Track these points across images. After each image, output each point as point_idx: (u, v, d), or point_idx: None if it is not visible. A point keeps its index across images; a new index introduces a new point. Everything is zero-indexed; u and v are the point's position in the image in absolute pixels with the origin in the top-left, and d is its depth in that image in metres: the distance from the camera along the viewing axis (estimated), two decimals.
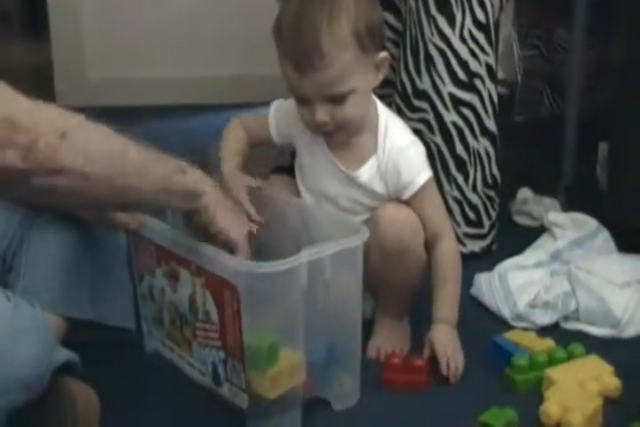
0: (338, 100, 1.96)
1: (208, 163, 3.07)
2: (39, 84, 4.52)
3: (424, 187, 2.08)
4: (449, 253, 2.12)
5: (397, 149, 2.08)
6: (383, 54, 2.03)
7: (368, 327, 2.08)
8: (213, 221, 1.81)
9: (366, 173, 2.09)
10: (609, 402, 1.91)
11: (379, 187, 2.10)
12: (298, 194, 2.21)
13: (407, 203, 2.10)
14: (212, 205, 1.80)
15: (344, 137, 2.07)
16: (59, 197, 1.55)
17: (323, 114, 1.97)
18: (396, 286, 2.13)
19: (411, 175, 2.07)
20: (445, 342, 2.04)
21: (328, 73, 1.91)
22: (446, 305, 2.09)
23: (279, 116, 2.20)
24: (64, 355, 1.70)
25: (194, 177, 1.77)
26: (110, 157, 1.56)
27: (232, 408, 1.86)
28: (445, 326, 2.07)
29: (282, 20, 1.98)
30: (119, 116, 3.78)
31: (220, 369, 1.86)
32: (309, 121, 2.01)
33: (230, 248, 1.83)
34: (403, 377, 1.99)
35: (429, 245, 2.11)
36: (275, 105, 2.21)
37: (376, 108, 2.11)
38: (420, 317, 2.20)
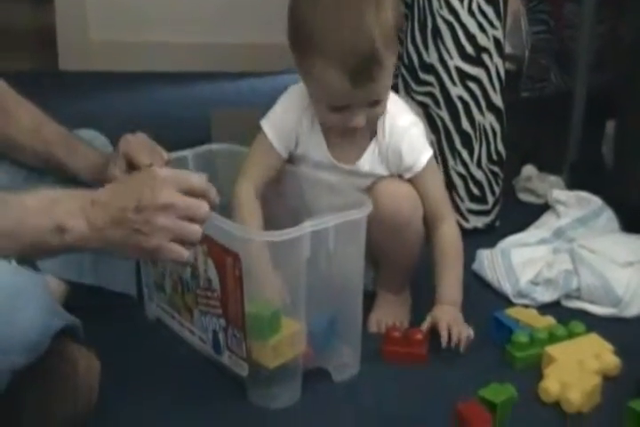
0: (377, 102, 1.94)
1: (211, 131, 3.10)
2: (42, 46, 4.52)
3: (426, 167, 2.07)
4: (451, 235, 2.11)
5: (399, 130, 2.05)
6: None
7: (369, 300, 2.07)
8: None
9: (367, 162, 2.07)
10: (608, 380, 1.92)
11: (381, 171, 2.08)
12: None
13: (408, 180, 2.09)
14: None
15: (358, 133, 2.04)
16: None
17: (362, 119, 1.94)
18: (396, 260, 2.13)
19: (413, 157, 2.05)
20: (447, 317, 2.03)
21: (383, 82, 1.90)
22: (450, 288, 2.08)
23: (278, 131, 2.08)
24: (65, 319, 1.68)
25: (75, 231, 1.50)
26: None
27: (232, 376, 1.87)
28: (449, 306, 2.06)
29: (321, 23, 1.85)
30: (122, 82, 3.83)
31: (221, 337, 1.87)
32: (342, 125, 1.97)
33: None
34: (402, 350, 2.00)
35: (430, 227, 2.10)
36: (266, 124, 2.08)
37: None
38: (420, 291, 2.22)
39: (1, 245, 1.48)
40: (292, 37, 1.94)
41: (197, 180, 1.56)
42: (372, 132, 2.05)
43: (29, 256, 1.55)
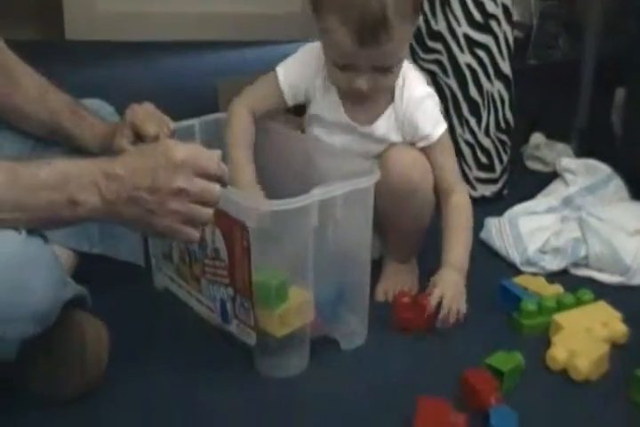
0: (385, 70, 1.95)
1: (218, 99, 3.10)
2: (48, 16, 4.51)
3: (440, 138, 2.07)
4: (462, 205, 2.11)
5: (415, 100, 2.06)
6: (419, 17, 2.01)
7: (374, 269, 2.06)
8: None
9: (383, 126, 2.08)
10: (616, 348, 1.92)
11: (395, 137, 2.09)
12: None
13: (421, 149, 2.09)
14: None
15: (369, 99, 2.05)
16: None
17: (365, 82, 1.94)
18: (405, 228, 2.13)
19: (428, 127, 2.06)
20: (447, 284, 2.00)
21: (389, 47, 1.88)
22: (456, 251, 2.07)
23: (290, 77, 2.11)
24: (74, 289, 1.72)
25: (88, 204, 1.51)
26: None
27: (240, 345, 1.87)
28: (453, 271, 2.04)
29: None
30: (129, 52, 3.82)
31: (229, 306, 1.87)
32: (347, 85, 1.98)
33: None
34: (410, 315, 1.99)
35: (441, 196, 2.10)
36: (281, 69, 2.11)
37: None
38: (428, 261, 2.21)
39: (14, 217, 1.48)
40: None
41: (213, 165, 1.55)
42: (389, 99, 2.06)
43: (41, 227, 1.54)
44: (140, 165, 1.53)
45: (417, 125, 2.05)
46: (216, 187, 1.55)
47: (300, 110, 2.21)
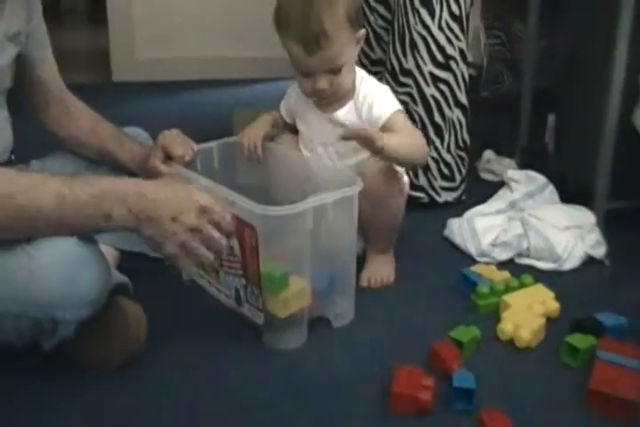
0: (335, 71, 1.97)
1: (233, 126, 3.07)
2: (99, 63, 4.58)
3: (393, 115, 2.05)
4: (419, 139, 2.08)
5: (370, 91, 2.08)
6: (362, 31, 2.02)
7: (359, 263, 2.06)
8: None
9: (343, 112, 2.08)
10: (550, 321, 1.93)
11: (354, 120, 2.07)
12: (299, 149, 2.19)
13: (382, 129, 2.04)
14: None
15: (335, 98, 2.07)
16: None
17: (323, 83, 1.98)
18: (382, 227, 2.11)
19: (380, 108, 2.05)
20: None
21: (331, 51, 1.92)
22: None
23: (283, 106, 2.22)
24: (118, 279, 1.74)
25: (119, 218, 1.50)
26: (22, 229, 1.49)
27: (251, 324, 1.85)
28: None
29: (287, 9, 1.94)
30: (161, 89, 3.83)
31: (242, 293, 1.86)
32: (311, 89, 2.01)
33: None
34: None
35: None
36: (283, 102, 2.22)
37: (354, 70, 2.08)
38: (403, 255, 2.20)
39: (59, 231, 1.50)
40: (274, 22, 2.00)
41: (225, 221, 1.56)
42: (350, 96, 2.08)
43: (79, 235, 1.53)
44: (168, 194, 1.53)
45: (371, 108, 2.05)
46: (222, 239, 1.56)
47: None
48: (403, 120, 2.08)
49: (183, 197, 1.54)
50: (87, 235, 1.55)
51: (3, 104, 1.85)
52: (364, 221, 2.03)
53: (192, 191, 1.56)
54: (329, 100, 2.07)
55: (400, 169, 2.09)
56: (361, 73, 2.11)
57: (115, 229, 1.54)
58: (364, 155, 2.05)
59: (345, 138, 1.90)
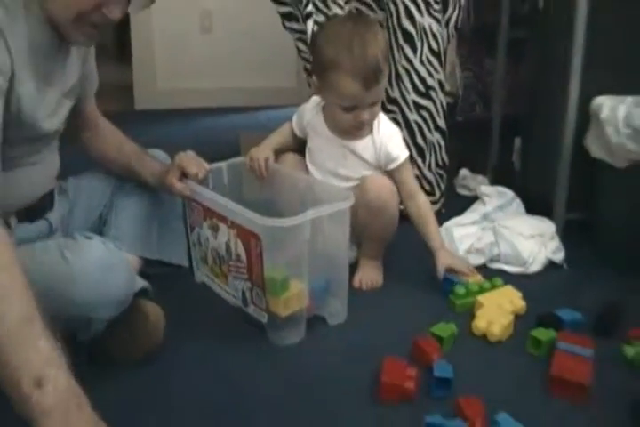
0: (376, 103, 1.98)
1: (240, 148, 3.07)
2: (124, 93, 4.58)
3: (404, 162, 2.08)
4: (426, 202, 2.11)
5: (388, 133, 2.08)
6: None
7: (352, 267, 2.06)
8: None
9: (362, 144, 2.07)
10: (518, 317, 1.92)
11: (369, 156, 2.07)
12: (304, 168, 2.17)
13: (389, 173, 2.09)
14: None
15: (366, 129, 2.06)
16: None
17: (367, 114, 1.97)
18: (376, 235, 2.10)
19: (397, 152, 2.06)
20: (455, 261, 2.09)
21: (382, 84, 1.95)
22: (437, 237, 2.10)
23: (297, 118, 2.19)
24: (140, 283, 1.74)
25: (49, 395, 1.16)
26: None
27: (255, 322, 1.84)
28: (445, 251, 2.09)
29: (340, 51, 1.89)
30: (178, 116, 3.83)
31: (247, 295, 1.84)
32: (353, 122, 1.99)
33: None
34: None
35: (409, 200, 2.09)
36: (295, 115, 2.20)
37: None
38: (390, 261, 2.20)
39: None
40: (315, 62, 2.00)
41: None
42: (368, 131, 2.07)
43: None
44: None
45: (388, 151, 2.05)
46: None
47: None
48: (411, 171, 2.15)
49: None
50: None
51: (56, 145, 1.83)
52: (361, 230, 2.04)
53: None
54: (364, 130, 2.05)
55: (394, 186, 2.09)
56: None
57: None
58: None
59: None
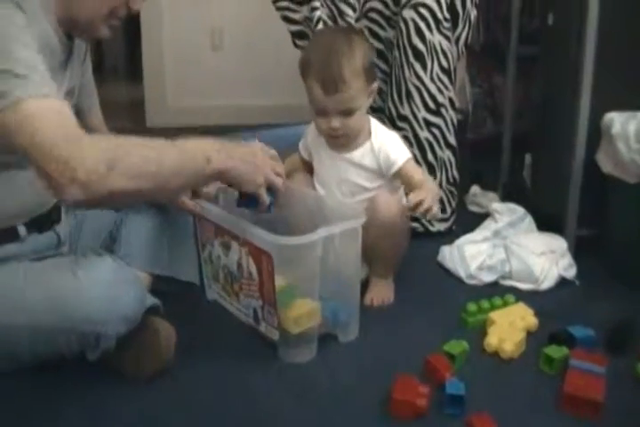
0: (348, 113, 2.00)
1: None
2: (136, 111, 4.61)
3: (405, 163, 2.07)
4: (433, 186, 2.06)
5: (386, 137, 2.11)
6: (375, 84, 2.05)
7: (363, 286, 2.07)
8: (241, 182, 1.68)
9: (359, 152, 2.10)
10: (530, 334, 1.92)
11: (369, 163, 2.09)
12: (313, 186, 2.19)
13: (394, 179, 2.11)
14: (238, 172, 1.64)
15: (346, 141, 2.08)
16: (122, 201, 1.65)
17: (336, 122, 2.00)
18: (387, 253, 2.10)
19: (395, 155, 2.07)
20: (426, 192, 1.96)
21: (346, 94, 1.96)
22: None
23: (301, 144, 2.24)
24: (151, 300, 1.73)
25: (218, 159, 1.57)
26: (152, 174, 1.45)
27: (267, 340, 1.84)
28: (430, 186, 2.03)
29: (312, 55, 1.99)
30: (191, 133, 3.83)
31: (259, 312, 1.84)
32: (325, 127, 2.03)
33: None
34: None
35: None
36: (301, 140, 2.25)
37: (368, 120, 2.12)
38: (401, 279, 2.19)
39: (173, 183, 1.52)
40: (299, 68, 2.04)
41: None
42: (366, 137, 2.10)
43: (186, 188, 1.71)
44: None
45: (387, 154, 2.07)
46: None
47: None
48: (416, 168, 2.13)
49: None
50: (189, 188, 1.72)
51: None
52: (371, 248, 2.03)
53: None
54: (341, 140, 2.08)
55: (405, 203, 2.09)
56: (375, 121, 2.14)
57: (211, 176, 1.60)
58: (374, 192, 2.09)
59: (411, 210, 1.92)
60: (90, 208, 1.70)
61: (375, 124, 2.13)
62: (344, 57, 1.94)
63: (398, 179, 2.10)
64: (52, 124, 1.39)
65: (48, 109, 1.41)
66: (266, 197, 1.72)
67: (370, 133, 2.10)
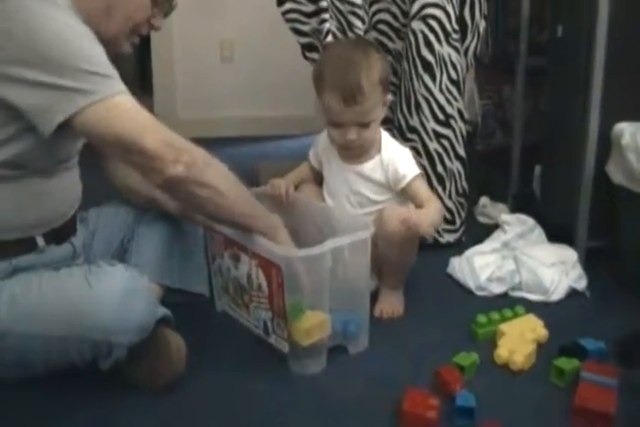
0: (364, 125, 2.00)
1: (259, 178, 3.08)
2: None
3: (414, 179, 2.08)
4: (437, 207, 2.05)
5: (396, 152, 2.11)
6: (389, 96, 2.07)
7: (373, 297, 2.07)
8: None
9: (369, 166, 2.10)
10: (540, 346, 1.91)
11: (378, 176, 2.10)
12: (322, 198, 2.19)
13: (402, 194, 2.10)
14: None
15: (360, 151, 2.09)
16: (197, 205, 1.69)
17: (353, 134, 2.00)
18: (396, 265, 2.09)
19: (404, 170, 2.07)
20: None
21: (364, 106, 1.97)
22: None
23: (313, 148, 2.23)
24: (162, 311, 1.74)
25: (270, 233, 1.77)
26: (235, 185, 1.68)
27: (277, 352, 1.84)
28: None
29: (330, 67, 1.99)
30: (201, 145, 3.84)
31: (269, 324, 1.84)
32: (340, 139, 2.04)
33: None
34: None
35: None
36: (311, 149, 2.24)
37: (380, 132, 2.12)
38: (410, 290, 2.19)
39: (239, 208, 1.72)
40: (314, 80, 2.04)
41: None
42: (376, 151, 2.10)
43: (240, 220, 1.76)
44: None
45: (396, 169, 2.07)
46: None
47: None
48: (424, 185, 2.13)
49: None
50: (239, 225, 1.77)
51: (76, 162, 1.86)
52: (381, 260, 2.04)
53: None
54: (355, 152, 2.09)
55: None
56: (386, 135, 2.14)
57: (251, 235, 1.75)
58: (383, 205, 2.09)
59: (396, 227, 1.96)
60: (173, 197, 1.78)
61: (386, 138, 2.13)
62: (362, 69, 1.95)
63: (405, 194, 2.10)
64: (146, 115, 1.58)
65: (135, 104, 1.58)
66: None
67: (380, 147, 2.11)
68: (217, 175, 1.64)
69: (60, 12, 1.51)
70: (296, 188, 2.18)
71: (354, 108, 1.96)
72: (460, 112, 2.54)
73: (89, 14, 1.62)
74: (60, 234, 1.77)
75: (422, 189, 2.09)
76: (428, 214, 1.97)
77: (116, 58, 1.76)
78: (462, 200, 2.66)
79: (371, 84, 1.95)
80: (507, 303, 2.13)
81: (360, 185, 2.12)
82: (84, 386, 1.71)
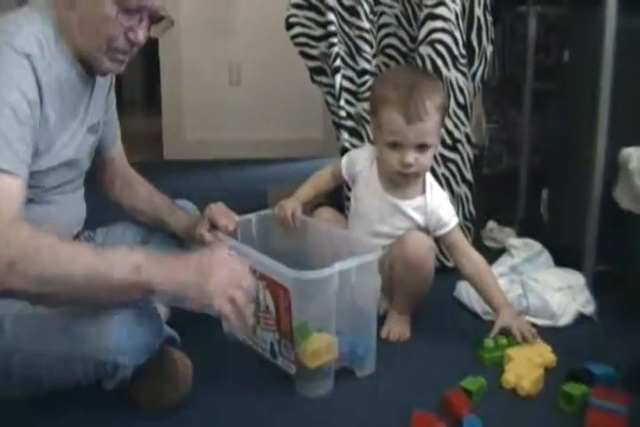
0: (423, 148, 1.98)
1: (268, 200, 3.08)
2: (153, 144, 4.63)
3: (455, 227, 2.08)
4: (482, 259, 2.09)
5: (440, 198, 2.10)
6: (442, 127, 2.07)
7: (381, 319, 2.07)
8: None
9: (413, 205, 2.08)
10: (548, 371, 1.90)
11: (419, 219, 2.08)
12: (339, 221, 2.19)
13: (437, 237, 2.11)
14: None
15: (413, 179, 2.06)
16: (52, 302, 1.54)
17: (411, 157, 1.97)
18: (410, 290, 2.09)
19: (448, 218, 2.07)
20: (514, 321, 2.02)
21: (427, 125, 1.95)
22: (499, 294, 2.06)
23: (348, 163, 2.17)
24: (168, 332, 1.76)
25: (148, 272, 1.47)
26: (58, 278, 1.41)
27: (284, 374, 1.83)
28: (507, 308, 2.05)
29: (391, 88, 1.97)
30: (206, 167, 3.87)
31: (276, 346, 1.84)
32: (397, 162, 2.00)
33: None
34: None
35: (463, 258, 2.08)
36: (344, 159, 2.19)
37: (429, 167, 2.11)
38: (417, 314, 2.18)
39: (86, 290, 1.45)
40: (371, 102, 2.06)
41: (251, 287, 1.57)
42: (419, 190, 2.09)
43: (111, 296, 1.50)
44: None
45: (440, 217, 2.06)
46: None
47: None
48: (462, 234, 2.14)
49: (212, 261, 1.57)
50: (119, 296, 1.51)
51: (81, 184, 1.88)
52: (395, 284, 2.05)
53: (222, 254, 1.60)
54: (406, 179, 2.05)
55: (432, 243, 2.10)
56: (430, 177, 2.12)
57: (143, 284, 1.47)
58: (396, 237, 2.08)
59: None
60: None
61: (430, 180, 2.11)
62: (427, 91, 1.96)
63: (442, 241, 2.12)
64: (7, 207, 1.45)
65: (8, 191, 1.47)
66: (230, 313, 1.53)
67: (425, 187, 2.09)
68: (27, 273, 1.40)
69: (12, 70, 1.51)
70: (306, 207, 2.16)
71: (417, 126, 1.94)
72: (467, 136, 2.54)
73: (65, 28, 1.63)
74: None
75: (463, 240, 2.11)
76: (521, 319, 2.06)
77: (119, 77, 1.75)
78: (469, 224, 2.65)
79: (434, 106, 1.96)
80: None
81: (396, 219, 2.09)
82: (89, 406, 1.71)
